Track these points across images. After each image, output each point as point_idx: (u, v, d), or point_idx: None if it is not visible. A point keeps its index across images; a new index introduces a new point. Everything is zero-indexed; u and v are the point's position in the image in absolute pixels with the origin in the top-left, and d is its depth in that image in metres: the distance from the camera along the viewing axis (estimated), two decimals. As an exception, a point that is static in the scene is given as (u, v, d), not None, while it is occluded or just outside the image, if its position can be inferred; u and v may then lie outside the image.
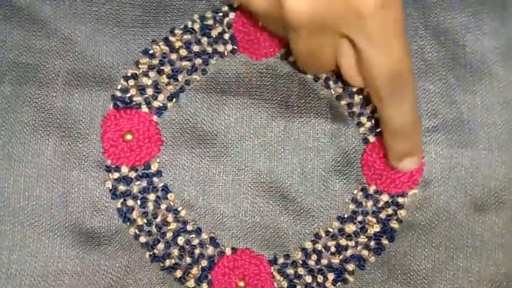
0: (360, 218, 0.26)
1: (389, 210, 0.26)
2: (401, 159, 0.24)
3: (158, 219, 0.26)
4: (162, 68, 0.27)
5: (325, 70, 0.25)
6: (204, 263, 0.25)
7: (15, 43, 0.26)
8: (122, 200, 0.26)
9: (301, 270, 0.25)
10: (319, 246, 0.26)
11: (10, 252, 0.25)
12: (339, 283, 0.25)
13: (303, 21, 0.19)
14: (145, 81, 0.26)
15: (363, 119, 0.27)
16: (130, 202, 0.26)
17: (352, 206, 0.26)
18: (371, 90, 0.22)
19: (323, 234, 0.26)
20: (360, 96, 0.27)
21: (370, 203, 0.26)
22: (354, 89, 0.27)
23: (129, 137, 0.26)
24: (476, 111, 0.27)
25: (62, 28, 0.27)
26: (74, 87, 0.26)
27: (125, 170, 0.26)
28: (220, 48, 0.27)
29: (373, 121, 0.27)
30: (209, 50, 0.27)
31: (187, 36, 0.27)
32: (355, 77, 0.22)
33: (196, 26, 0.27)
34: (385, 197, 0.26)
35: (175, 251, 0.25)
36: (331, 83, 0.27)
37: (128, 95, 0.26)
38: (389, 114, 0.22)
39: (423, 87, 0.27)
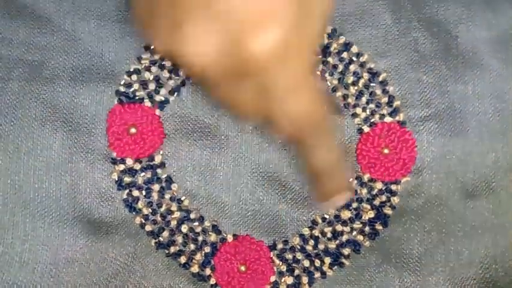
0: (355, 204, 0.27)
1: (383, 197, 0.27)
2: (329, 198, 0.23)
3: (162, 209, 0.27)
4: (163, 63, 0.27)
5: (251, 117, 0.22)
6: (207, 249, 0.26)
7: (20, 40, 0.27)
8: (127, 190, 0.26)
9: (299, 255, 0.26)
10: (316, 232, 0.27)
11: (22, 241, 0.26)
12: (335, 267, 0.26)
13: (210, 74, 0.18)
14: (148, 76, 0.27)
15: (358, 110, 0.27)
16: (135, 193, 0.26)
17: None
18: (291, 135, 0.21)
19: (320, 221, 0.27)
20: (356, 88, 0.28)
21: (364, 191, 0.27)
22: (349, 81, 0.28)
23: (133, 130, 0.27)
24: (468, 101, 0.28)
25: (66, 25, 0.27)
26: (79, 82, 0.27)
27: (129, 162, 0.27)
28: None
29: (367, 111, 0.27)
30: None
31: None
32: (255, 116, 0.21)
33: None
34: (379, 185, 0.27)
35: (179, 239, 0.26)
36: (326, 75, 0.28)
37: (131, 89, 0.27)
38: (308, 157, 0.22)
39: (416, 77, 0.28)
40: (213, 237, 0.26)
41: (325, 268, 0.26)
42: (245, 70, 0.18)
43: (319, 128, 0.21)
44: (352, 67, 0.28)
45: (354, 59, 0.28)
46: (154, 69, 0.27)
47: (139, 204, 0.26)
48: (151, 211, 0.26)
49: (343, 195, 0.24)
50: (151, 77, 0.27)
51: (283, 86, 0.19)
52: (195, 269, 0.26)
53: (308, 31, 0.19)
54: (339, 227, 0.27)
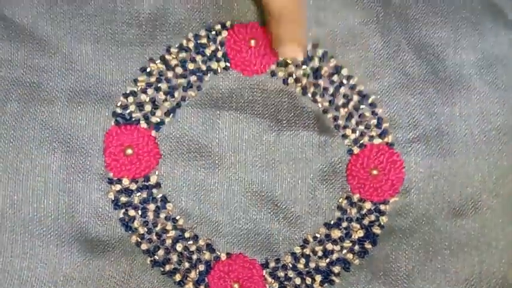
0: (345, 224, 0.28)
1: (372, 217, 0.28)
2: (281, 44, 0.23)
3: (158, 228, 0.27)
4: (159, 85, 0.28)
5: None
6: (201, 267, 0.27)
7: (19, 62, 0.28)
8: (123, 210, 0.27)
9: (291, 273, 0.27)
10: (307, 251, 0.27)
11: (21, 259, 0.26)
12: (326, 284, 0.27)
13: None
14: (144, 98, 0.28)
15: (348, 132, 0.28)
16: (131, 212, 0.27)
17: (337, 213, 0.28)
18: None
19: (311, 240, 0.28)
20: (346, 110, 0.28)
21: (354, 210, 0.28)
22: (340, 103, 0.28)
23: (129, 151, 0.27)
24: (455, 122, 0.28)
25: (63, 48, 0.28)
26: (76, 104, 0.27)
27: (126, 182, 0.27)
28: (214, 65, 0.28)
29: (357, 133, 0.28)
30: (203, 67, 0.28)
31: (182, 55, 0.28)
32: None
33: (191, 45, 0.28)
34: (368, 205, 0.28)
35: (174, 257, 0.27)
36: (318, 97, 0.28)
37: (128, 111, 0.28)
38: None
39: (405, 100, 0.29)
40: (207, 255, 0.27)
41: (316, 286, 0.27)
42: None
43: None
44: (342, 89, 0.28)
45: (344, 81, 0.29)
46: (150, 91, 0.28)
47: (135, 224, 0.27)
48: (147, 230, 0.27)
49: (296, 48, 0.23)
50: (147, 99, 0.28)
51: None
52: (189, 286, 0.27)
53: None
54: (329, 246, 0.28)
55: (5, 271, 0.26)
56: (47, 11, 0.28)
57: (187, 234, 0.27)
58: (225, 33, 0.28)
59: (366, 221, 0.28)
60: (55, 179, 0.27)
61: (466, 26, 0.29)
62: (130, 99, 0.28)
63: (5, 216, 0.26)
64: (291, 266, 0.27)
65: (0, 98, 0.27)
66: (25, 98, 0.27)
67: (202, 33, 0.29)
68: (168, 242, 0.27)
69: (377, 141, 0.28)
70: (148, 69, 0.28)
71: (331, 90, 0.28)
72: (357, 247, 0.28)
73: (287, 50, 0.23)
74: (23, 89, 0.27)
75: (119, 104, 0.28)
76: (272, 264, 0.27)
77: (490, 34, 0.30)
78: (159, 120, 0.28)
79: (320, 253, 0.27)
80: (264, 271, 0.27)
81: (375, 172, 0.28)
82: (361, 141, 0.28)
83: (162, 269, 0.27)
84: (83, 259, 0.27)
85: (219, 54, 0.28)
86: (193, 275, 0.27)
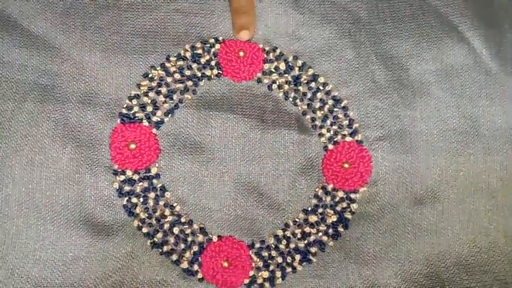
0: (320, 210, 0.31)
1: (344, 204, 0.31)
2: (239, 31, 0.31)
3: (157, 213, 0.30)
4: (159, 89, 0.31)
5: None
6: (195, 248, 0.30)
7: (34, 67, 0.30)
8: (127, 197, 0.30)
9: (273, 253, 0.30)
10: (288, 233, 0.30)
11: (35, 241, 0.28)
12: (304, 263, 0.30)
13: None
14: (146, 100, 0.31)
15: (324, 131, 0.32)
16: (134, 200, 0.30)
17: (314, 201, 0.31)
18: None
19: (291, 224, 0.30)
20: (322, 112, 0.32)
21: (328, 198, 0.31)
22: (317, 106, 0.32)
23: (132, 146, 0.30)
24: (416, 124, 0.32)
25: (74, 55, 0.30)
26: (86, 105, 0.30)
27: (129, 173, 0.30)
28: (208, 72, 0.31)
29: (331, 132, 0.32)
30: (198, 74, 0.31)
31: (180, 63, 0.31)
32: None
33: (188, 54, 0.32)
34: (340, 193, 0.31)
35: (171, 239, 0.30)
36: (298, 101, 0.32)
37: (132, 111, 0.31)
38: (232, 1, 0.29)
39: (373, 104, 0.32)
40: (200, 238, 0.30)
41: (295, 264, 0.30)
42: None
43: None
44: (319, 95, 0.32)
45: (321, 88, 0.32)
46: (151, 94, 0.31)
47: (137, 210, 0.30)
48: (147, 215, 0.30)
49: (248, 32, 0.31)
50: (149, 101, 0.31)
51: None
52: (184, 265, 0.29)
53: None
54: (307, 229, 0.30)
55: (21, 252, 0.28)
56: (60, 23, 0.31)
57: (183, 219, 0.30)
58: (218, 46, 0.32)
59: (338, 208, 0.31)
60: (66, 170, 0.29)
61: (426, 40, 0.33)
62: (134, 101, 0.31)
63: (21, 203, 0.28)
64: (273, 246, 0.30)
65: (17, 99, 0.29)
66: (40, 99, 0.29)
67: (198, 45, 0.32)
68: (166, 226, 0.30)
69: (348, 139, 0.31)
70: (150, 75, 0.31)
71: (309, 95, 0.32)
72: (331, 230, 0.31)
73: (243, 35, 0.31)
74: (38, 91, 0.29)
75: (124, 106, 0.30)
76: (257, 245, 0.30)
77: (447, 47, 0.33)
78: (159, 119, 0.31)
79: (299, 235, 0.30)
80: (250, 251, 0.30)
81: (346, 165, 0.31)
82: (335, 139, 0.31)
83: (161, 250, 0.29)
84: (90, 241, 0.29)
85: (213, 63, 0.32)
86: (188, 254, 0.30)
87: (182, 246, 0.30)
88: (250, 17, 0.31)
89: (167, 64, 0.31)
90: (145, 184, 0.30)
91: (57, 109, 0.30)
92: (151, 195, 0.30)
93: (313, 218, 0.31)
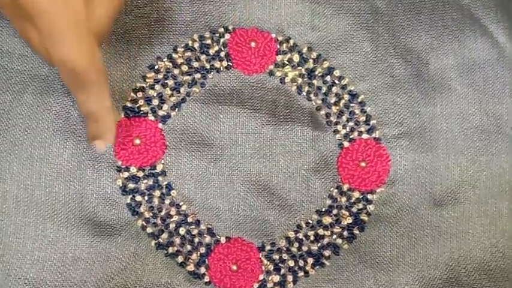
0: (335, 211, 0.30)
1: (360, 205, 0.30)
2: (93, 140, 0.26)
3: (162, 213, 0.29)
4: (166, 81, 0.30)
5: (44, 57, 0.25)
6: (202, 250, 0.29)
7: (34, 56, 0.29)
8: (131, 196, 0.29)
9: (285, 256, 0.29)
10: (300, 235, 0.29)
11: (33, 240, 0.27)
12: (317, 267, 0.29)
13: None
14: (152, 93, 0.30)
15: (339, 127, 0.30)
16: (138, 198, 0.29)
17: (328, 201, 0.30)
18: (66, 81, 0.24)
19: (304, 225, 0.30)
20: (337, 107, 0.31)
21: (343, 199, 0.30)
22: (332, 101, 0.31)
23: (137, 141, 0.29)
24: (437, 121, 0.31)
25: None
26: None
27: (133, 170, 0.29)
28: (217, 64, 0.30)
29: (347, 129, 0.31)
30: (207, 66, 0.30)
31: (188, 54, 0.30)
32: (44, 56, 0.25)
33: (196, 45, 0.31)
34: (356, 194, 0.30)
35: (177, 240, 0.29)
36: (312, 95, 0.31)
37: (137, 105, 0.30)
38: (77, 100, 0.25)
39: (391, 99, 0.31)
40: (207, 239, 0.29)
41: (308, 268, 0.29)
42: (23, 12, 0.21)
43: (87, 80, 0.23)
44: (334, 89, 0.31)
45: (336, 81, 0.31)
46: (157, 87, 0.30)
47: (142, 208, 0.29)
48: (152, 215, 0.29)
49: (103, 143, 0.26)
50: (155, 94, 0.30)
51: (52, 31, 0.21)
52: (191, 267, 0.29)
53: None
54: (320, 231, 0.30)
55: (18, 251, 0.27)
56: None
57: (189, 219, 0.29)
58: (227, 36, 0.31)
59: (354, 209, 0.30)
60: (67, 166, 0.28)
61: (447, 34, 0.32)
62: (139, 94, 0.30)
63: (19, 199, 0.28)
64: (285, 249, 0.29)
65: (16, 90, 0.28)
66: (40, 91, 0.29)
67: (207, 34, 0.31)
68: (172, 226, 0.29)
69: (365, 136, 0.30)
70: (156, 67, 0.30)
71: (324, 89, 0.31)
72: (345, 233, 0.30)
73: (97, 145, 0.26)
74: (38, 82, 0.29)
75: (129, 99, 0.30)
76: (268, 248, 0.29)
77: (469, 41, 0.32)
78: (165, 113, 0.30)
79: (312, 238, 0.29)
80: (260, 254, 0.29)
81: (363, 164, 0.30)
82: (350, 136, 0.30)
83: (166, 251, 0.29)
84: (91, 241, 0.28)
85: (222, 54, 0.31)
86: (194, 256, 0.29)
87: (188, 247, 0.29)
88: (104, 126, 0.26)
89: (174, 55, 0.30)
90: (150, 182, 0.29)
91: (58, 102, 0.29)
92: (157, 193, 0.29)
93: (327, 220, 0.30)
